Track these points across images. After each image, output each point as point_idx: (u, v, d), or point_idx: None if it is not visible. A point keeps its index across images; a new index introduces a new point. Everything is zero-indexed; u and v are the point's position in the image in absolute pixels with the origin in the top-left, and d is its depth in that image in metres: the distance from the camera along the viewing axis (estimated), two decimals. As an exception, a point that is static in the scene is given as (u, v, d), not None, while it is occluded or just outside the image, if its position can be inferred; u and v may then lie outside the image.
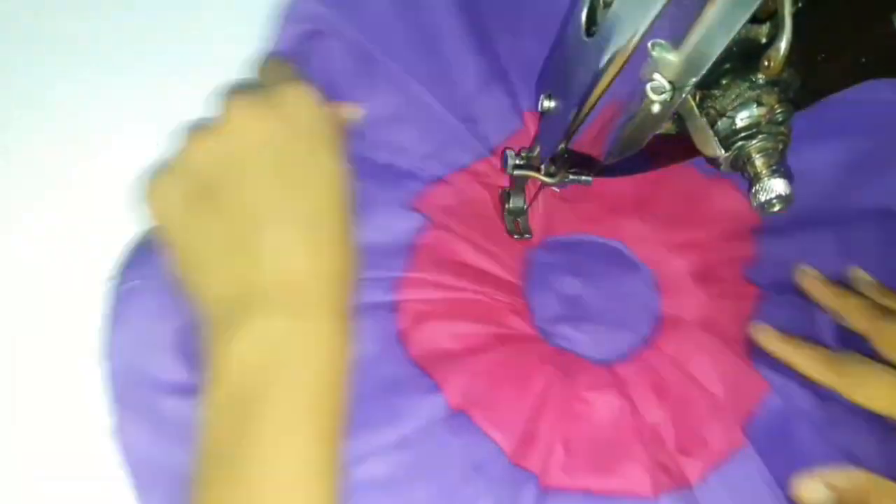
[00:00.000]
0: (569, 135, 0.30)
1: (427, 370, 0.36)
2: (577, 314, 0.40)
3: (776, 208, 0.26)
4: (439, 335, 0.37)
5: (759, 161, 0.25)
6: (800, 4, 0.22)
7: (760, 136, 0.25)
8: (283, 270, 0.29)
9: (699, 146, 0.26)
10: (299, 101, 0.31)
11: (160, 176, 0.30)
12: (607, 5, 0.26)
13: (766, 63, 0.23)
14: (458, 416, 0.35)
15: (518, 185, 0.39)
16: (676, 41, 0.24)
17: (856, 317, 0.37)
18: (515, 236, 0.41)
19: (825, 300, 0.38)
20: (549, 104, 0.32)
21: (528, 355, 0.38)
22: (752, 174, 0.25)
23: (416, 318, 0.37)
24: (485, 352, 0.37)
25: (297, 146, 0.30)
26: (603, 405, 0.37)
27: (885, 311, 0.36)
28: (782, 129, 0.25)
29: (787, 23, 0.21)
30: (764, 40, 0.24)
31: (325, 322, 0.29)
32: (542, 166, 0.36)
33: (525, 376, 0.37)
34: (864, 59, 0.25)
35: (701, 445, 0.37)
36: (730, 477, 0.36)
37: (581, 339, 0.40)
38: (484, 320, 0.38)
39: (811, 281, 0.39)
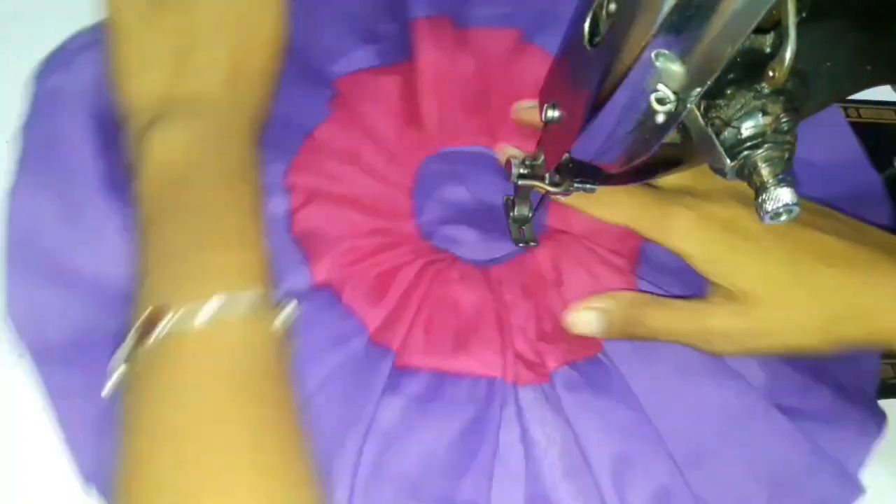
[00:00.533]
0: (573, 145, 0.30)
1: (303, 246, 0.38)
2: (460, 219, 0.42)
3: (783, 218, 0.26)
4: (322, 218, 0.39)
5: (765, 170, 0.25)
6: (803, 14, 0.22)
7: (766, 146, 0.25)
8: (204, 90, 0.35)
9: (705, 156, 0.26)
10: None
11: None
12: (610, 16, 0.26)
13: (770, 73, 0.23)
14: (325, 292, 0.37)
15: (522, 193, 0.39)
16: (681, 51, 0.24)
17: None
18: (521, 245, 0.41)
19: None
20: (553, 114, 0.32)
21: (404, 247, 0.40)
22: (758, 184, 0.25)
23: (305, 199, 0.39)
24: (362, 238, 0.39)
25: None
26: (468, 297, 0.39)
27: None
28: (788, 137, 0.25)
29: (791, 33, 0.21)
30: (768, 50, 0.24)
31: (235, 141, 0.34)
32: (547, 175, 0.36)
33: (397, 265, 0.39)
34: (868, 67, 0.25)
35: (561, 338, 0.38)
36: (586, 370, 0.38)
37: (461, 241, 0.42)
38: (367, 212, 0.40)
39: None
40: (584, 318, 0.37)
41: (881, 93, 0.56)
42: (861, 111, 0.55)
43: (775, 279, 0.34)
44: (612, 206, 0.37)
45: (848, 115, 0.54)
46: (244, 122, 0.35)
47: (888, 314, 0.33)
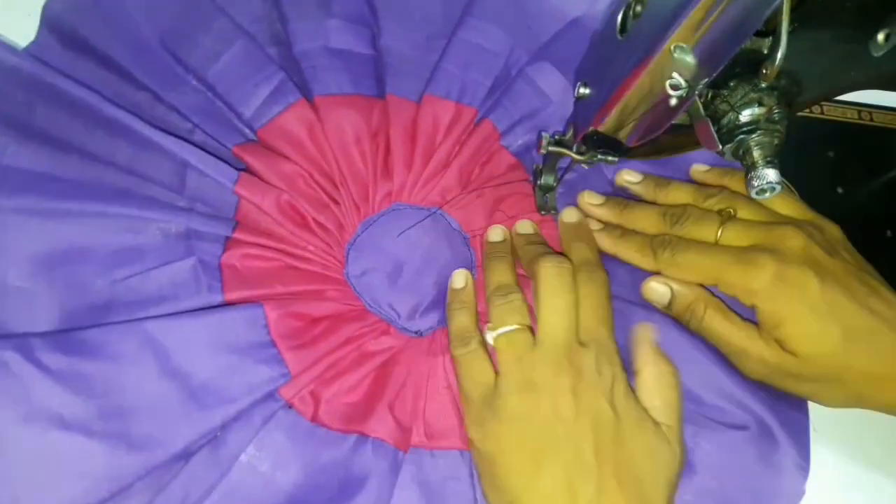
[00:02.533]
0: (599, 119, 0.35)
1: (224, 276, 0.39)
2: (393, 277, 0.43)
3: (767, 194, 0.30)
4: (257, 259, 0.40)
5: (756, 152, 0.30)
6: (795, 24, 0.27)
7: (759, 132, 0.30)
8: None
9: (701, 140, 0.31)
10: (616, 378, 0.36)
11: (484, 417, 0.36)
12: (637, 16, 0.31)
13: (764, 70, 0.28)
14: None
15: (549, 163, 0.44)
16: (694, 47, 0.29)
17: (636, 257, 0.42)
18: (542, 212, 0.45)
19: (602, 246, 0.43)
20: (584, 91, 0.37)
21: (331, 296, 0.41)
22: (749, 163, 0.30)
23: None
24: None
25: (615, 424, 0.35)
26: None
27: (662, 240, 0.40)
28: (778, 127, 0.30)
29: (783, 40, 0.26)
30: (766, 51, 0.29)
31: None
32: (575, 146, 0.40)
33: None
34: (852, 73, 0.29)
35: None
36: None
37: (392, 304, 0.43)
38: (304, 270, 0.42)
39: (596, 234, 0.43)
40: (659, 290, 0.40)
41: (894, 99, 0.59)
42: (874, 115, 0.58)
43: (827, 349, 0.36)
44: (689, 267, 0.39)
45: (861, 118, 0.58)
46: None
47: None
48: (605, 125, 0.35)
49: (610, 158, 0.39)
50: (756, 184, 0.30)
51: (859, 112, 0.58)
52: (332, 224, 0.43)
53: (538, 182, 0.45)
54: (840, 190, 0.55)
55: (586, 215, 0.45)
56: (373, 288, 0.43)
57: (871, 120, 0.58)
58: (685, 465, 0.36)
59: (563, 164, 0.44)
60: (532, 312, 0.39)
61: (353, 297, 0.42)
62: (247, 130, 0.43)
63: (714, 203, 0.42)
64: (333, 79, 0.44)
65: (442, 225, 0.45)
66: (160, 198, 0.40)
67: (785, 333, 0.37)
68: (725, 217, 0.40)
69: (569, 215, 0.44)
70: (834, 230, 0.41)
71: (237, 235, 0.40)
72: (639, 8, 0.31)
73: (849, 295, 0.37)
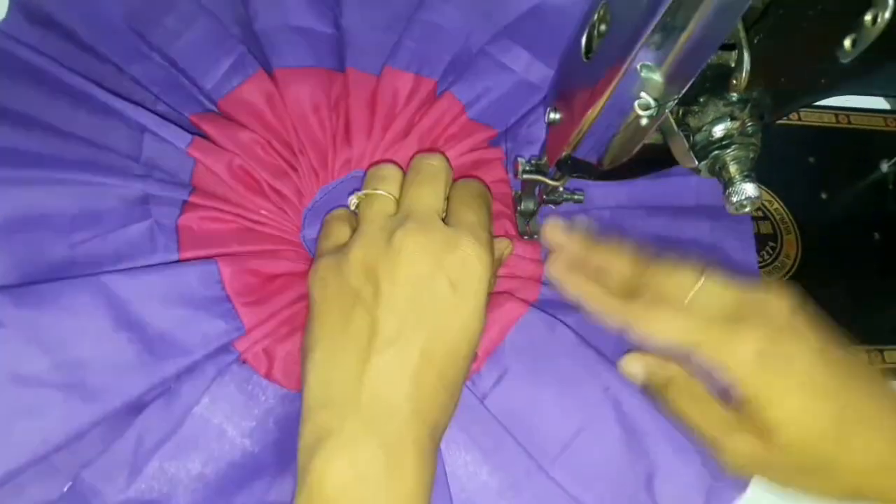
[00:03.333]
0: (571, 144, 0.34)
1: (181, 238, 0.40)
2: None
3: (747, 209, 0.30)
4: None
5: (732, 167, 0.29)
6: (761, 35, 0.26)
7: (734, 146, 0.29)
8: (384, 396, 0.31)
9: (677, 157, 0.30)
10: (471, 257, 0.34)
11: (327, 261, 0.35)
12: (601, 35, 0.30)
13: (734, 81, 0.27)
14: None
15: (528, 189, 0.43)
16: (661, 64, 0.28)
17: (605, 304, 0.38)
18: (525, 237, 0.45)
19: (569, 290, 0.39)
20: (554, 116, 0.36)
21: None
22: (726, 179, 0.29)
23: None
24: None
25: (446, 291, 0.33)
26: None
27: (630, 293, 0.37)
28: (753, 140, 0.29)
29: (745, 54, 0.25)
30: (733, 64, 0.28)
31: (410, 458, 0.31)
32: (550, 171, 0.40)
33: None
34: (822, 80, 0.29)
35: None
36: None
37: None
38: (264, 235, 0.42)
39: (560, 273, 0.40)
40: (632, 368, 0.38)
41: (870, 101, 0.59)
42: (851, 118, 0.58)
43: (816, 435, 0.32)
44: (668, 323, 0.35)
45: (839, 122, 0.58)
46: (423, 434, 0.32)
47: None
48: (578, 149, 0.34)
49: (576, 197, 0.39)
50: (735, 199, 0.29)
51: (836, 116, 0.58)
52: (291, 191, 0.44)
53: (518, 208, 0.45)
54: (824, 195, 0.55)
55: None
56: None
57: (849, 123, 0.58)
58: None
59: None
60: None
61: (308, 259, 0.43)
62: (207, 102, 0.44)
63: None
64: (293, 52, 0.45)
65: None
66: (118, 165, 0.41)
67: (769, 417, 0.32)
68: (701, 272, 0.36)
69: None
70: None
71: (193, 199, 0.41)
72: (602, 27, 0.31)
73: (841, 374, 0.33)
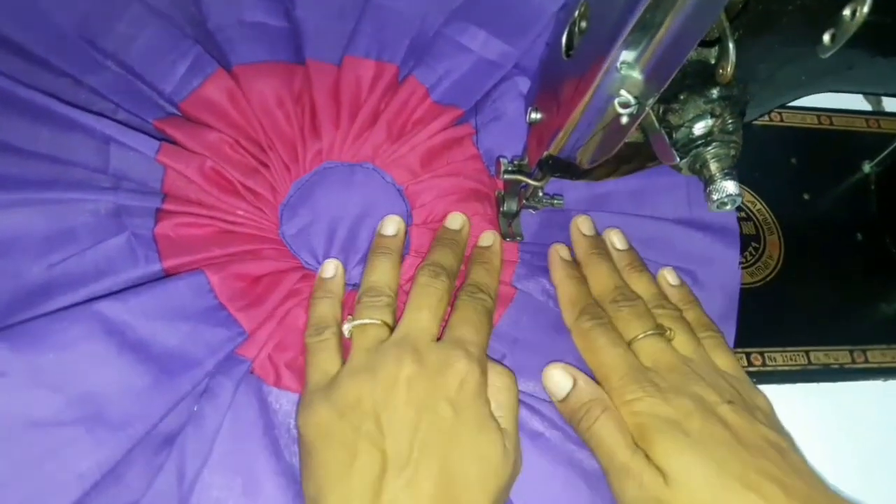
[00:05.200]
0: (552, 143, 0.34)
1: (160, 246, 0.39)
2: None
3: (728, 206, 0.29)
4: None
5: (713, 165, 0.29)
6: (740, 31, 0.26)
7: (714, 144, 0.29)
8: None
9: (659, 155, 0.30)
10: (465, 375, 0.34)
11: (319, 400, 0.34)
12: (582, 32, 0.30)
13: (720, 72, 0.27)
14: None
15: (511, 190, 0.43)
16: (641, 62, 0.28)
17: (566, 304, 0.41)
18: (507, 239, 0.45)
19: (552, 271, 0.43)
20: (535, 116, 0.36)
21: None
22: (707, 176, 0.29)
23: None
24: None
25: (448, 413, 0.33)
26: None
27: (591, 307, 0.40)
28: (734, 137, 0.29)
29: (730, 45, 0.25)
30: (713, 61, 0.28)
31: None
32: (532, 171, 0.40)
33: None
34: (803, 77, 0.29)
35: None
36: None
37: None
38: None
39: (555, 258, 0.43)
40: (559, 378, 0.38)
41: (852, 102, 0.59)
42: (833, 119, 0.58)
43: (699, 480, 0.33)
44: (593, 350, 0.39)
45: (820, 123, 0.58)
46: None
47: None
48: (559, 148, 0.34)
49: (556, 202, 0.38)
50: (715, 197, 0.29)
51: (818, 117, 0.58)
52: (264, 188, 0.43)
53: (501, 209, 0.44)
54: (806, 196, 0.55)
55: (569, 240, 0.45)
56: (308, 245, 0.43)
57: (831, 124, 0.58)
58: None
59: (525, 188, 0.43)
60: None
61: (290, 256, 0.43)
62: (168, 106, 0.43)
63: (661, 314, 0.40)
64: (250, 48, 0.44)
65: (374, 179, 0.46)
66: (85, 179, 0.40)
67: (654, 447, 0.34)
68: (655, 330, 0.39)
69: (485, 239, 0.43)
70: (761, 401, 0.39)
71: (167, 206, 0.40)
72: (584, 24, 0.30)
73: (734, 441, 0.34)
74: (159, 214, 0.40)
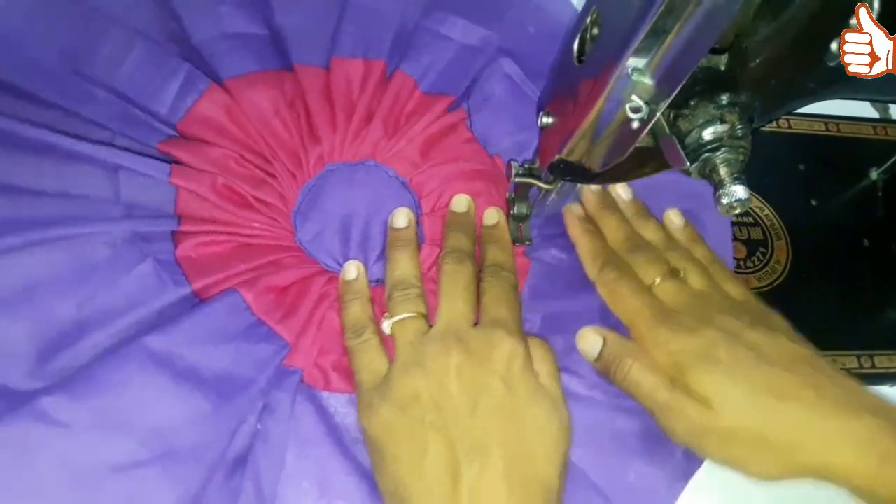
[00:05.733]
0: (563, 147, 0.35)
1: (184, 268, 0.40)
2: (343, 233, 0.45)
3: (737, 210, 0.30)
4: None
5: (722, 170, 0.30)
6: (751, 38, 0.27)
7: (724, 149, 0.29)
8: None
9: (669, 160, 0.31)
10: (511, 353, 0.36)
11: (378, 399, 0.35)
12: (594, 38, 0.30)
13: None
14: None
15: (521, 193, 0.44)
16: (652, 68, 0.29)
17: (587, 258, 0.43)
18: (517, 243, 0.45)
19: (569, 228, 0.45)
20: (547, 120, 0.37)
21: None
22: (716, 181, 0.30)
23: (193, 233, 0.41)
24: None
25: (501, 390, 0.35)
26: None
27: (612, 255, 0.42)
28: (743, 142, 0.30)
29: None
30: (723, 68, 0.29)
31: None
32: (543, 175, 0.40)
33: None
34: (811, 83, 0.29)
35: None
36: None
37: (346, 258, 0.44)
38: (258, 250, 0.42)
39: (570, 217, 0.45)
40: (591, 338, 0.40)
41: (859, 109, 0.60)
42: (841, 126, 0.59)
43: (737, 400, 0.35)
44: (619, 298, 0.40)
45: (828, 130, 0.58)
46: None
47: (835, 453, 0.34)
48: (570, 152, 0.34)
49: (578, 186, 0.39)
50: (725, 201, 0.29)
51: (826, 124, 0.59)
52: (274, 197, 0.44)
53: (511, 212, 0.45)
54: (813, 202, 0.55)
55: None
56: (326, 248, 0.44)
57: (839, 131, 0.59)
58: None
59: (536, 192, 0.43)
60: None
61: (311, 261, 0.43)
62: (166, 128, 0.43)
63: (673, 256, 0.42)
64: (238, 60, 0.45)
65: (379, 175, 0.47)
66: (97, 211, 0.40)
67: (690, 380, 0.36)
68: (670, 272, 0.41)
69: (489, 217, 0.44)
70: (778, 320, 0.40)
71: (183, 228, 0.40)
72: (595, 30, 0.31)
73: (762, 360, 0.36)
74: (177, 237, 0.40)
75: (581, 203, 0.46)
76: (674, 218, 0.46)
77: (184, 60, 0.43)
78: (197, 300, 0.39)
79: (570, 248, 0.45)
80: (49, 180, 0.39)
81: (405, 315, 0.38)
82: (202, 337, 0.37)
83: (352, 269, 0.42)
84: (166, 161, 0.41)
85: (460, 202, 0.44)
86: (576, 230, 0.44)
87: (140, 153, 0.41)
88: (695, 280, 0.41)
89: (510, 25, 0.50)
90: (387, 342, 0.39)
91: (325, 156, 0.46)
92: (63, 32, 0.42)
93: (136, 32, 0.43)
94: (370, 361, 0.38)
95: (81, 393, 0.34)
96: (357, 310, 0.40)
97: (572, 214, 0.45)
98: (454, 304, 0.38)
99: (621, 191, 0.46)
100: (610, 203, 0.45)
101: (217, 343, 0.37)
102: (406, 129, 0.47)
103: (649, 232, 0.44)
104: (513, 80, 0.48)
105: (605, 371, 0.40)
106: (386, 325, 0.39)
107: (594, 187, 0.45)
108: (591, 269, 0.43)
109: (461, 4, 0.49)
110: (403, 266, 0.41)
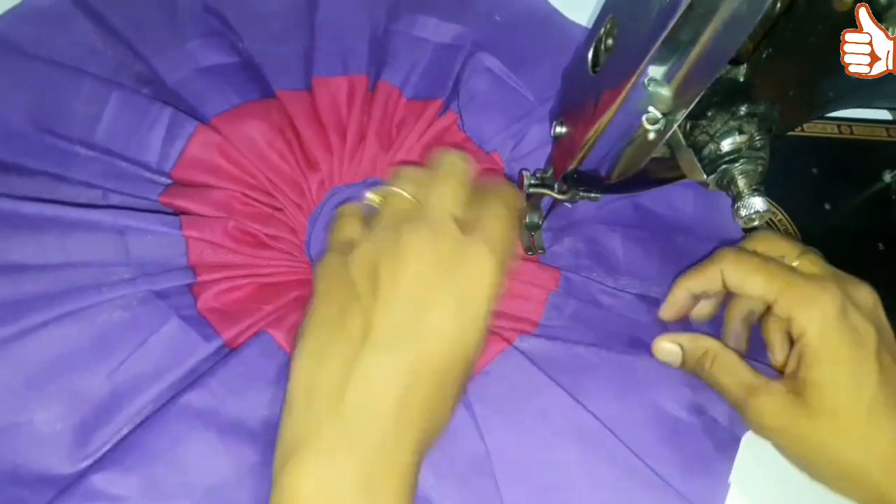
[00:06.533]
0: (578, 157, 0.34)
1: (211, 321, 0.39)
2: None
3: (756, 222, 0.29)
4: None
5: (741, 181, 0.29)
6: (770, 49, 0.26)
7: (742, 160, 0.29)
8: (369, 405, 0.29)
9: (686, 171, 0.30)
10: (481, 272, 0.32)
11: (335, 254, 0.34)
12: (608, 49, 0.30)
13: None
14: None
15: (534, 203, 0.43)
16: (669, 78, 0.28)
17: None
18: (529, 252, 0.45)
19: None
20: (560, 130, 0.36)
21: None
22: (735, 193, 0.29)
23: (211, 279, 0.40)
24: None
25: (449, 302, 0.31)
26: None
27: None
28: (761, 154, 0.29)
29: None
30: (742, 79, 0.28)
31: (388, 480, 0.29)
32: (556, 185, 0.40)
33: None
34: (830, 93, 0.29)
35: None
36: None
37: None
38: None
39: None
40: (668, 348, 0.41)
41: (872, 112, 0.59)
42: (854, 128, 0.58)
43: (846, 400, 0.35)
44: (757, 271, 0.38)
45: (841, 133, 0.58)
46: (405, 452, 0.30)
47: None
48: (584, 163, 0.34)
49: (593, 195, 0.38)
50: (743, 213, 0.29)
51: (839, 126, 0.58)
52: (285, 231, 0.43)
53: (524, 222, 0.44)
54: (827, 206, 0.55)
55: None
56: None
57: (852, 133, 0.58)
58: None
59: (548, 201, 0.43)
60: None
61: None
62: (161, 177, 0.41)
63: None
64: (219, 96, 0.43)
65: None
66: (108, 276, 0.38)
67: (816, 375, 0.35)
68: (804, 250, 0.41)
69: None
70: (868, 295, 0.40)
71: (201, 279, 0.39)
72: (610, 41, 0.31)
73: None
74: (194, 289, 0.39)
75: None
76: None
77: (164, 104, 0.42)
78: (229, 350, 0.38)
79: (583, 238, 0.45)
80: (52, 253, 0.37)
81: (394, 189, 0.35)
82: (239, 385, 0.36)
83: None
84: (172, 213, 0.40)
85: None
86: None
87: (143, 210, 0.40)
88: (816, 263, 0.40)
89: (478, 17, 0.49)
90: None
91: (326, 181, 0.45)
92: (31, 92, 0.40)
93: (108, 82, 0.42)
94: (347, 225, 0.36)
95: (132, 464, 0.33)
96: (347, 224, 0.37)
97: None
98: (440, 190, 0.34)
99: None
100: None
101: (256, 389, 0.36)
102: (401, 141, 0.46)
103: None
104: (494, 73, 0.48)
105: (691, 371, 0.41)
106: (369, 194, 0.36)
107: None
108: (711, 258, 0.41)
109: (425, 2, 0.49)
110: (412, 171, 0.37)
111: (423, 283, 0.31)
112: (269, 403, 0.36)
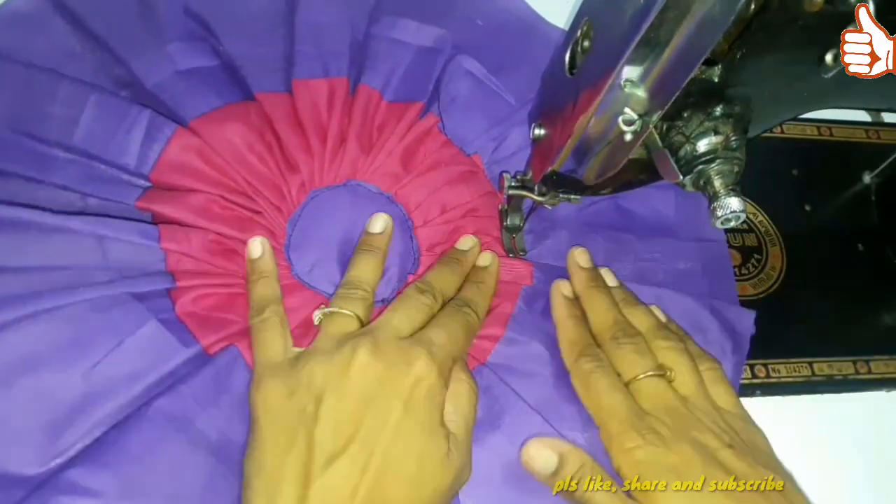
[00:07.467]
0: (556, 159, 0.34)
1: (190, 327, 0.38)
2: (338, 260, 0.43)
3: (732, 223, 0.30)
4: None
5: (717, 182, 0.29)
6: (743, 50, 0.27)
7: (718, 161, 0.29)
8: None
9: (662, 172, 0.30)
10: (423, 378, 0.33)
11: (270, 376, 0.34)
12: (585, 51, 0.30)
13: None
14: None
15: (514, 205, 0.43)
16: (644, 80, 0.28)
17: (564, 345, 0.40)
18: (511, 255, 0.45)
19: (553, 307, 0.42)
20: (539, 132, 0.36)
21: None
22: (711, 193, 0.29)
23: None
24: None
25: (398, 411, 0.32)
26: None
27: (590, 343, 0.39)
28: (737, 154, 0.29)
29: None
30: (716, 80, 0.28)
31: None
32: (536, 187, 0.40)
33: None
34: (805, 94, 0.29)
35: None
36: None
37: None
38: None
39: (557, 296, 0.42)
40: (544, 455, 0.36)
41: (852, 113, 0.60)
42: (833, 130, 0.59)
43: None
44: (593, 394, 0.37)
45: (821, 134, 0.58)
46: None
47: None
48: (563, 165, 0.34)
49: (573, 197, 0.38)
50: (720, 213, 0.29)
51: (818, 128, 0.58)
52: (264, 235, 0.42)
53: (504, 223, 0.44)
54: (807, 207, 0.55)
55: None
56: (326, 277, 0.42)
57: (831, 135, 0.58)
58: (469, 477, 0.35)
59: (529, 204, 0.43)
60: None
61: (314, 295, 0.42)
62: (139, 180, 0.41)
63: (664, 346, 0.39)
64: (198, 98, 0.43)
65: (363, 194, 0.45)
66: (87, 278, 0.37)
67: (649, 498, 0.33)
68: (655, 370, 0.37)
69: (483, 259, 0.43)
70: (760, 440, 0.38)
71: (180, 284, 0.39)
72: (586, 43, 0.31)
73: (738, 498, 0.33)
74: (173, 294, 0.38)
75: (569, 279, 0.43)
76: (658, 314, 0.42)
77: (143, 107, 0.41)
78: (207, 357, 0.38)
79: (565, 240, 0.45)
80: (32, 257, 0.37)
81: (339, 310, 0.37)
82: (209, 398, 0.36)
83: (256, 247, 0.40)
84: (149, 222, 0.39)
85: (465, 241, 0.43)
86: (561, 312, 0.41)
87: (121, 216, 0.39)
88: (682, 382, 0.38)
89: (460, 21, 0.49)
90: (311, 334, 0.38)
91: (306, 183, 0.44)
92: (4, 95, 0.40)
93: (86, 84, 0.41)
94: (269, 339, 0.36)
95: (109, 461, 0.33)
96: (262, 288, 0.39)
97: (559, 294, 0.42)
98: (391, 315, 0.36)
99: (607, 277, 0.43)
100: (600, 283, 0.42)
101: (222, 403, 0.36)
102: (382, 143, 0.46)
103: (638, 318, 0.41)
104: (474, 76, 0.48)
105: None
106: (316, 314, 0.37)
107: (583, 263, 0.43)
108: (567, 357, 0.40)
109: (408, 6, 0.49)
110: (362, 269, 0.39)
111: (368, 394, 0.32)
112: (233, 415, 0.36)
